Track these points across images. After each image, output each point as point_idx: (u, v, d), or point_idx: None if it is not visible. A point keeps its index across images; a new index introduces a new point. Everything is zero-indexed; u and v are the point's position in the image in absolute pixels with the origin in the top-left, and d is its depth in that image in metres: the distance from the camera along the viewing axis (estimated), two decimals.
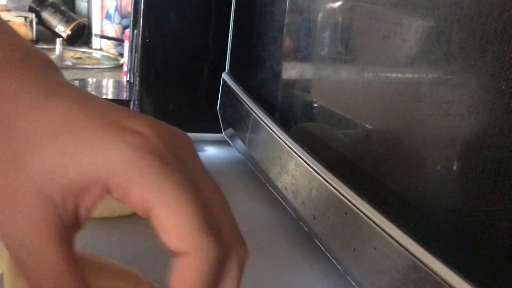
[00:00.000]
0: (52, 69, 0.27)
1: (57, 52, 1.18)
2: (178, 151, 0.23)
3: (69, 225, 0.23)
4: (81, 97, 0.24)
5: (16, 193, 0.22)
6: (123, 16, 1.27)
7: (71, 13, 1.44)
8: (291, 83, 0.50)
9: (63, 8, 1.44)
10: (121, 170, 0.21)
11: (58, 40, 1.18)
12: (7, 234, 0.22)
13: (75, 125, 0.22)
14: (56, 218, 0.22)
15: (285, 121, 0.49)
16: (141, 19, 0.67)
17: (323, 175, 0.39)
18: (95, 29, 1.31)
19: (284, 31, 0.51)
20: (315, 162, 0.41)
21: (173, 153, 0.23)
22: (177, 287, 0.23)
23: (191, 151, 0.25)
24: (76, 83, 0.78)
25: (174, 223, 0.22)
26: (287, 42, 0.51)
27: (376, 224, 0.32)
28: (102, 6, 1.28)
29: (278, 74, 0.52)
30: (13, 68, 0.24)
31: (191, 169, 0.24)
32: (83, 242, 0.31)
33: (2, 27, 0.27)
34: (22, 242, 0.22)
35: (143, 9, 0.66)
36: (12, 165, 0.22)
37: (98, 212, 0.40)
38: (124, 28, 1.24)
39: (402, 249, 0.30)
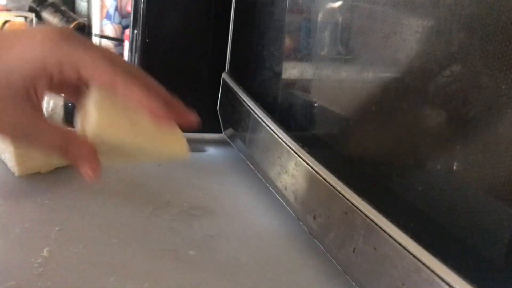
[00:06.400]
0: None
1: None
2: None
3: (35, 103, 0.34)
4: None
5: None
6: (123, 16, 1.27)
7: (71, 13, 1.44)
8: (291, 83, 0.50)
9: (63, 8, 1.44)
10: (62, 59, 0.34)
11: None
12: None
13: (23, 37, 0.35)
14: (20, 100, 0.34)
15: (285, 121, 0.49)
16: (141, 19, 0.67)
17: (323, 175, 0.39)
18: (95, 29, 1.31)
19: (284, 31, 0.51)
20: (315, 162, 0.41)
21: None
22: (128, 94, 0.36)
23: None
24: None
25: (99, 73, 0.35)
26: (287, 42, 0.51)
27: (376, 224, 0.32)
28: (102, 6, 1.28)
29: (278, 74, 0.52)
30: None
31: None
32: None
33: None
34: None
35: (143, 9, 0.66)
36: None
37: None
38: (124, 28, 1.24)
39: (402, 249, 0.30)
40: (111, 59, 0.35)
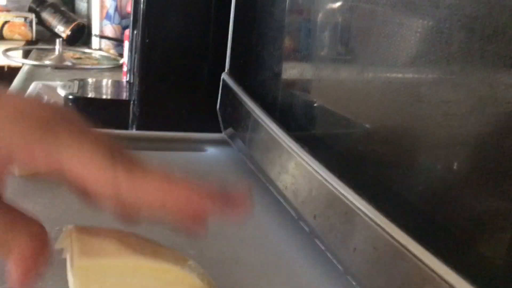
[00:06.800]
0: None
1: (56, 52, 1.18)
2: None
3: None
4: None
5: None
6: (122, 17, 1.27)
7: (71, 14, 1.44)
8: (291, 83, 0.51)
9: (63, 8, 1.44)
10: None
11: (58, 40, 1.18)
12: None
13: None
14: None
15: (285, 121, 0.49)
16: (141, 19, 0.67)
17: (323, 175, 0.39)
18: (95, 30, 1.31)
19: (284, 31, 0.51)
20: (315, 162, 0.41)
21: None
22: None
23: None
24: (76, 83, 0.78)
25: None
26: (287, 42, 0.51)
27: (376, 224, 0.33)
28: (102, 7, 1.28)
29: (278, 74, 0.52)
30: None
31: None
32: None
33: None
34: None
35: (143, 9, 0.66)
36: None
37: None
38: (124, 28, 1.24)
39: (402, 249, 0.30)
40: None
